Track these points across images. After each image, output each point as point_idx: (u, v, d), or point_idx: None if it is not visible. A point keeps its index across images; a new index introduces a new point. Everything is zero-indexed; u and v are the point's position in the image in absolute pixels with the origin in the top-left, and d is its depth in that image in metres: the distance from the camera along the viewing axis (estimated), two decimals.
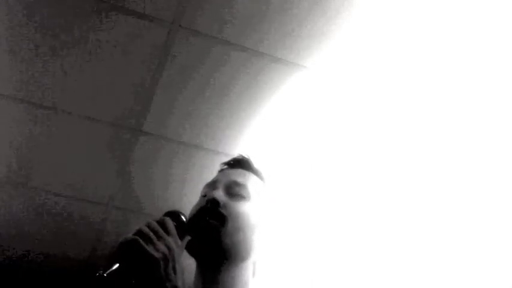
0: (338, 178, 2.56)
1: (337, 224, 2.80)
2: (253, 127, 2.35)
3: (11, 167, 2.64)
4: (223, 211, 1.17)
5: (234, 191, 1.24)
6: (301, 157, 2.47)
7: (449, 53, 2.01)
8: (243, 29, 1.98)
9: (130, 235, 0.92)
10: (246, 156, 1.41)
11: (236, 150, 2.43)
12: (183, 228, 1.02)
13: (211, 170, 1.54)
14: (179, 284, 0.92)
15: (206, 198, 1.21)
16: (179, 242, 0.97)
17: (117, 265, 0.87)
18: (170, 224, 0.98)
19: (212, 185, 1.28)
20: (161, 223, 0.97)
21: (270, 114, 2.29)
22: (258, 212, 1.25)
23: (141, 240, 0.90)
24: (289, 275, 3.19)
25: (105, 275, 0.84)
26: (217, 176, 1.35)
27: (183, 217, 1.04)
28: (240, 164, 1.38)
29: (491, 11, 1.87)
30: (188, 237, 1.05)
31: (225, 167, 1.40)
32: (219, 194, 1.21)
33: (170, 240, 0.94)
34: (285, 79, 2.15)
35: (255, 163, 1.41)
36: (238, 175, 1.31)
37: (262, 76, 2.14)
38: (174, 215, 1.04)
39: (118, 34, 2.02)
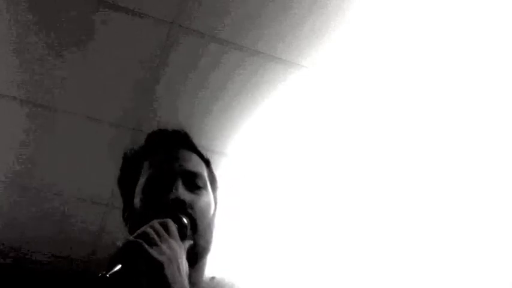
0: (336, 177, 2.56)
1: (335, 222, 2.80)
2: (252, 126, 2.35)
3: (11, 167, 2.64)
4: (191, 212, 1.06)
5: (192, 183, 1.11)
6: (299, 156, 2.47)
7: (447, 52, 2.02)
8: (242, 28, 1.98)
9: (132, 237, 0.91)
10: (184, 131, 1.21)
11: (236, 150, 2.44)
12: (184, 231, 1.01)
13: None
14: (185, 285, 0.91)
15: (170, 197, 1.07)
16: (181, 244, 0.96)
17: (119, 266, 0.86)
18: (172, 226, 0.97)
19: (164, 172, 1.12)
20: (163, 225, 0.96)
21: (268, 113, 2.29)
22: (212, 200, 1.14)
23: (144, 243, 0.89)
24: (289, 274, 3.19)
25: (107, 275, 0.84)
26: (163, 160, 1.16)
27: (184, 220, 1.03)
28: (183, 142, 1.19)
29: (490, 9, 1.87)
30: (190, 241, 1.03)
31: (162, 141, 1.21)
32: (182, 192, 1.08)
33: (173, 242, 0.93)
34: (283, 78, 2.15)
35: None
36: (190, 161, 1.15)
37: (261, 75, 2.14)
38: (176, 217, 1.03)
39: (118, 34, 2.02)
